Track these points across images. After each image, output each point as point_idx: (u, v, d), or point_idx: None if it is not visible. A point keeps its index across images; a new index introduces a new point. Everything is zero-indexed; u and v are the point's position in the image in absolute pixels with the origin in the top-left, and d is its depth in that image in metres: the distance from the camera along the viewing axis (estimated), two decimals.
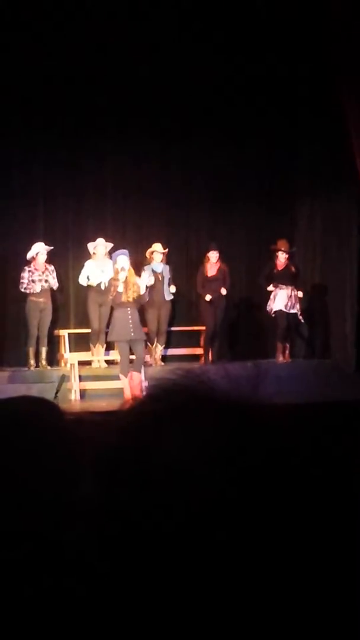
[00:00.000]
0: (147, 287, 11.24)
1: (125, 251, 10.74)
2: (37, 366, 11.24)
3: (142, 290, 10.81)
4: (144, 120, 12.08)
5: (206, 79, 11.85)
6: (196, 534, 0.68)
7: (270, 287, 11.84)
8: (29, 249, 11.33)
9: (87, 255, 11.67)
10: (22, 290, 11.18)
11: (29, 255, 11.25)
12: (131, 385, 10.15)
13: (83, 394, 10.65)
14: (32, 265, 11.21)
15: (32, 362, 11.24)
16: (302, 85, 12.00)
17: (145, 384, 10.41)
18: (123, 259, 10.39)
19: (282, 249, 11.94)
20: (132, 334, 10.22)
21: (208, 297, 11.69)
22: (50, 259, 11.44)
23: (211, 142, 12.42)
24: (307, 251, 12.84)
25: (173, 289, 11.78)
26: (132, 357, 10.48)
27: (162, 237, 12.04)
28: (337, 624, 0.70)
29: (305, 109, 12.28)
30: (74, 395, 10.56)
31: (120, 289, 10.22)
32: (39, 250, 11.26)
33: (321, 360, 12.15)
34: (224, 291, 11.78)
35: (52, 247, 11.38)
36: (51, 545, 0.91)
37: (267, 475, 0.71)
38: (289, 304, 11.79)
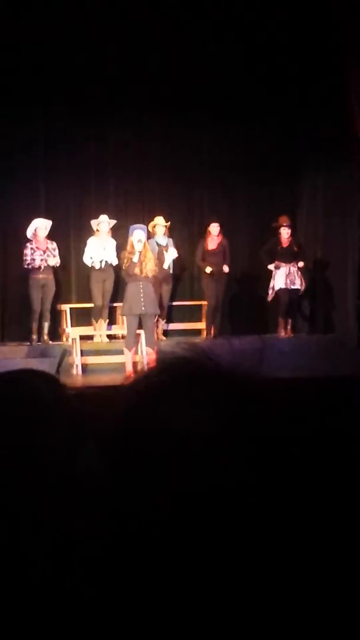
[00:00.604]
0: (172, 260, 11.33)
1: (143, 226, 10.67)
2: (39, 341, 11.26)
3: (166, 266, 10.84)
4: (145, 95, 11.99)
5: (209, 55, 11.76)
6: (201, 507, 0.68)
7: (271, 267, 11.82)
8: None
9: (88, 231, 11.64)
10: (26, 267, 11.16)
11: (29, 233, 11.20)
12: (147, 360, 10.12)
13: (85, 368, 10.65)
14: (33, 242, 11.18)
15: (34, 337, 11.25)
16: (305, 61, 11.90)
17: (146, 358, 10.41)
18: (140, 232, 10.28)
19: (284, 224, 11.90)
20: (143, 308, 10.12)
21: (209, 269, 11.66)
22: (52, 235, 11.39)
23: (213, 117, 12.34)
24: (309, 226, 12.81)
25: (174, 253, 11.62)
26: (139, 331, 10.42)
27: (164, 211, 12.00)
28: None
29: (309, 83, 12.18)
30: (76, 370, 10.57)
31: (136, 259, 10.06)
32: (38, 225, 11.20)
33: (323, 335, 12.16)
34: (226, 268, 11.75)
35: (50, 222, 11.31)
36: (53, 519, 0.91)
37: (271, 449, 0.71)
38: (288, 281, 11.79)
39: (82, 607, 0.79)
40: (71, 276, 12.12)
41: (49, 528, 0.92)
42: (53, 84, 11.68)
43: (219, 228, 11.79)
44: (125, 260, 10.18)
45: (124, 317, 10.53)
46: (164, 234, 11.66)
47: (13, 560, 0.93)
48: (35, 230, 11.16)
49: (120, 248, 11.13)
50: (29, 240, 11.20)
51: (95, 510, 0.73)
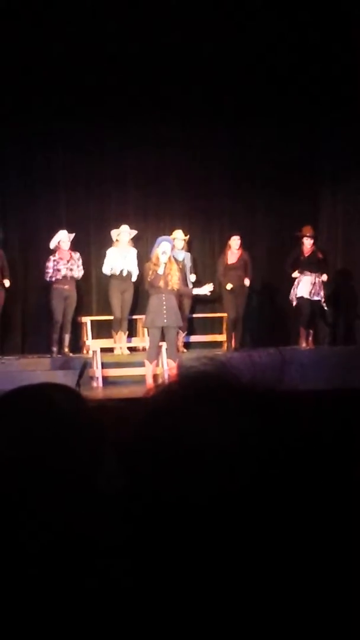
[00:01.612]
0: (192, 282, 11.32)
1: (170, 238, 10.67)
2: (59, 353, 11.29)
3: (188, 286, 10.85)
4: (166, 107, 12.04)
5: (228, 62, 11.78)
6: (221, 520, 0.68)
7: (296, 274, 11.78)
8: (51, 236, 11.36)
9: (108, 242, 11.68)
10: (48, 279, 11.21)
11: (52, 244, 11.28)
12: (168, 373, 10.12)
13: (105, 380, 10.68)
14: (56, 254, 11.25)
15: (55, 348, 11.29)
16: (326, 68, 11.88)
17: (167, 371, 10.41)
18: (166, 244, 10.26)
19: (307, 234, 11.87)
20: (165, 321, 10.08)
21: (229, 286, 11.65)
22: (73, 246, 11.45)
23: (233, 128, 12.37)
24: (330, 236, 12.78)
25: (193, 277, 11.78)
26: (161, 343, 10.41)
27: (184, 223, 12.04)
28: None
29: (330, 93, 12.17)
30: (97, 382, 10.60)
31: (161, 271, 10.04)
32: (61, 238, 11.28)
33: (345, 346, 12.11)
34: (247, 282, 11.74)
35: (74, 234, 11.38)
36: (75, 530, 0.91)
37: (293, 462, 0.70)
38: (313, 290, 11.74)
39: (101, 615, 0.79)
40: (92, 288, 12.17)
41: (70, 540, 0.92)
42: (73, 96, 11.75)
43: (239, 241, 11.78)
44: (150, 272, 10.13)
45: (146, 329, 10.51)
46: (182, 248, 11.67)
47: (34, 569, 0.93)
48: (59, 242, 11.25)
49: (140, 258, 11.15)
50: (51, 252, 11.26)
51: (115, 523, 0.73)
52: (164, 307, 10.06)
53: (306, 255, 11.81)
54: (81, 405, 1.07)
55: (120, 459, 0.75)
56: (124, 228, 11.53)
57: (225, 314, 12.11)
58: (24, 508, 0.95)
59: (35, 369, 10.60)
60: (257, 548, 0.68)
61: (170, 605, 0.69)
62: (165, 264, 10.09)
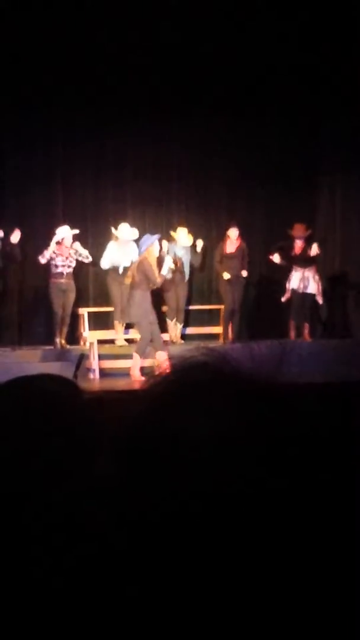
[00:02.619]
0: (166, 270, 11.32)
1: (159, 236, 10.75)
2: (59, 345, 11.31)
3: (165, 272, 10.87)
4: (164, 101, 12.03)
5: (228, 58, 11.76)
6: (220, 513, 0.68)
7: (276, 257, 11.82)
8: (48, 230, 11.34)
9: (106, 237, 11.67)
10: (41, 261, 11.13)
11: (56, 240, 11.23)
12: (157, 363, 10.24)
13: (102, 372, 10.69)
14: (57, 249, 11.24)
15: (57, 340, 11.30)
16: (325, 63, 11.87)
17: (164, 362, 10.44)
18: (158, 244, 10.50)
19: (298, 235, 11.84)
20: (152, 317, 10.35)
21: (226, 276, 11.66)
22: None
23: (232, 121, 12.36)
24: (327, 231, 12.78)
25: (170, 262, 11.54)
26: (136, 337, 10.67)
27: (182, 215, 12.03)
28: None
29: (328, 88, 12.15)
30: (93, 374, 10.60)
31: (164, 272, 10.35)
32: (65, 235, 11.27)
33: (342, 340, 12.12)
34: (244, 273, 11.76)
35: (77, 231, 11.39)
36: (69, 522, 0.90)
37: (292, 454, 0.70)
38: (302, 285, 11.79)
39: (92, 608, 0.79)
40: (88, 280, 12.16)
41: (65, 531, 0.91)
42: (72, 92, 11.74)
43: (237, 232, 11.79)
44: (155, 269, 10.29)
45: (137, 325, 10.52)
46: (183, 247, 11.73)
47: (28, 562, 0.93)
48: (62, 239, 11.22)
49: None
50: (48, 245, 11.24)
51: (110, 514, 0.72)
52: (150, 303, 10.31)
53: (297, 252, 11.83)
54: (78, 396, 1.06)
55: (116, 450, 0.75)
56: (124, 226, 11.49)
57: (221, 306, 12.12)
58: (21, 498, 0.95)
59: (32, 361, 10.60)
60: (256, 542, 0.68)
61: (168, 599, 0.69)
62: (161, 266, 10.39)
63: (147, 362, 10.79)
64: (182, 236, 11.69)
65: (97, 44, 11.28)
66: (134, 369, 10.22)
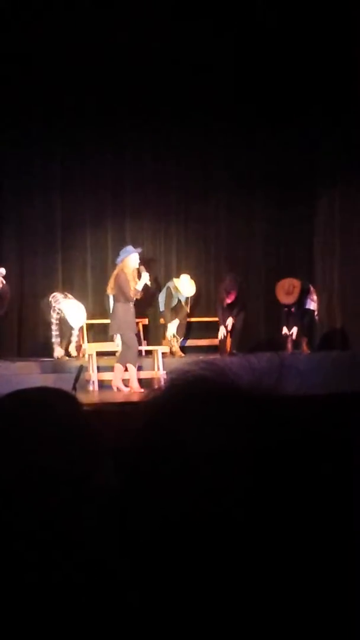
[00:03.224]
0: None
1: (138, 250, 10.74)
2: (61, 357, 11.32)
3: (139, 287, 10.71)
4: (163, 113, 12.07)
5: (226, 64, 11.78)
6: (218, 525, 0.68)
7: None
8: (47, 241, 11.37)
9: (103, 248, 11.70)
10: None
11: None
12: (135, 375, 10.32)
13: (101, 384, 10.67)
14: None
15: (59, 352, 11.30)
16: (323, 72, 11.89)
17: (163, 375, 10.44)
18: (137, 257, 10.49)
19: (288, 292, 11.75)
20: (134, 327, 10.52)
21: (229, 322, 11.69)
22: (70, 253, 11.50)
23: (230, 134, 12.40)
24: (326, 242, 12.78)
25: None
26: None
27: (180, 229, 12.04)
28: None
29: (327, 94, 12.17)
30: (92, 386, 10.58)
31: (139, 287, 10.34)
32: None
33: (341, 351, 12.11)
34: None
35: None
36: (68, 535, 0.90)
37: (292, 467, 0.70)
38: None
39: (97, 614, 0.79)
40: (88, 292, 12.15)
41: (63, 545, 0.91)
42: (71, 101, 11.77)
43: (235, 285, 11.71)
44: (131, 284, 10.32)
45: (118, 335, 10.52)
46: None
47: (27, 574, 0.93)
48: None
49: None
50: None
51: (110, 526, 0.72)
52: (133, 314, 10.41)
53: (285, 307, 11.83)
54: (77, 410, 1.06)
55: (118, 463, 0.75)
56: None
57: None
58: (20, 510, 0.94)
59: (31, 372, 10.59)
60: (257, 553, 0.68)
61: (168, 605, 0.69)
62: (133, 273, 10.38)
63: (146, 374, 10.80)
64: (185, 285, 11.74)
65: (95, 53, 11.29)
66: (117, 380, 10.26)
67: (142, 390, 10.12)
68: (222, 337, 11.70)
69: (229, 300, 11.63)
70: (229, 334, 11.93)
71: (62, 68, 11.32)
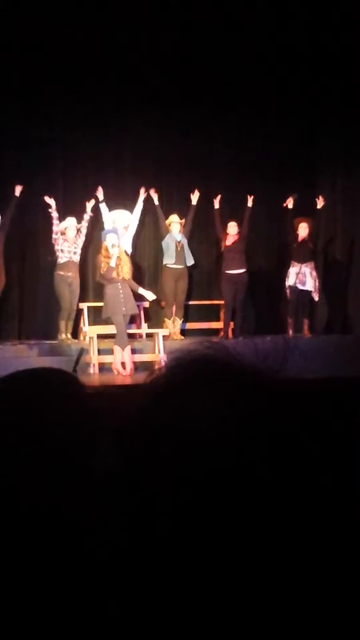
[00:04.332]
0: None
1: (116, 229, 10.90)
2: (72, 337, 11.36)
3: (189, 262, 11.19)
4: (163, 95, 12.04)
5: (228, 55, 11.76)
6: (217, 504, 0.67)
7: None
8: (48, 223, 11.35)
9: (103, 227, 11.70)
10: (54, 235, 11.14)
11: (60, 228, 11.27)
12: (128, 358, 10.35)
13: (102, 367, 10.69)
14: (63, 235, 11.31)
15: (63, 334, 11.30)
16: (325, 58, 11.86)
17: (164, 357, 10.46)
18: (113, 236, 10.57)
19: (304, 221, 11.84)
20: (124, 309, 10.37)
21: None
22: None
23: (231, 116, 12.38)
24: (328, 226, 12.76)
25: (191, 260, 11.86)
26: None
27: (183, 210, 12.01)
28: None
29: (329, 83, 12.14)
30: (93, 369, 10.60)
31: (113, 264, 10.35)
32: (68, 225, 11.29)
33: (342, 335, 12.12)
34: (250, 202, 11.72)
35: (80, 225, 11.41)
36: (71, 517, 0.90)
37: (293, 449, 0.70)
38: (298, 280, 11.78)
39: (98, 601, 0.78)
40: (89, 274, 12.15)
41: (66, 524, 0.91)
42: (71, 84, 11.76)
43: (237, 228, 11.82)
44: (102, 265, 10.46)
45: (112, 318, 10.56)
46: (180, 231, 11.73)
47: (30, 554, 0.93)
48: (65, 229, 11.25)
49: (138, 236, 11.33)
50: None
51: (111, 507, 0.72)
52: (121, 296, 10.35)
53: (299, 241, 11.80)
54: (78, 390, 1.06)
55: (118, 444, 0.74)
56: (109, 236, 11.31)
57: (221, 301, 12.12)
58: (20, 492, 0.94)
59: (31, 355, 10.61)
60: (257, 535, 0.67)
61: (169, 591, 0.68)
62: (118, 256, 10.40)
63: (146, 357, 10.81)
64: (175, 221, 11.74)
65: (97, 42, 11.27)
66: (116, 363, 10.29)
67: (125, 373, 10.21)
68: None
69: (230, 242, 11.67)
70: (230, 318, 11.94)
71: (62, 58, 11.31)
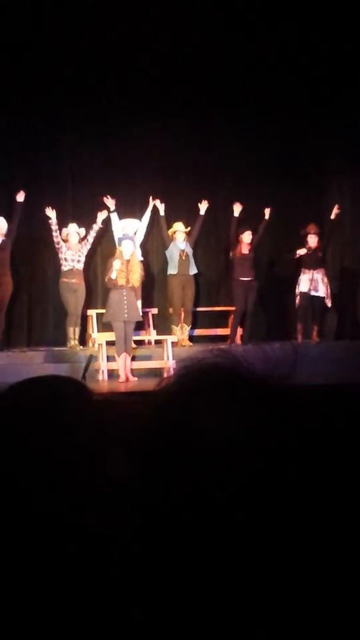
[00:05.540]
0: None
1: (132, 237, 10.92)
2: (82, 345, 11.37)
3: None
4: (172, 102, 12.06)
5: (234, 57, 11.78)
6: (231, 511, 0.67)
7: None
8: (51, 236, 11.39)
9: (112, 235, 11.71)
10: (55, 238, 11.16)
11: (62, 235, 11.31)
12: (122, 365, 10.36)
13: (110, 374, 10.69)
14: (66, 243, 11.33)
15: (71, 341, 11.31)
16: (332, 61, 11.87)
17: (173, 364, 10.47)
18: (129, 243, 10.62)
19: (312, 232, 11.91)
20: (126, 315, 10.38)
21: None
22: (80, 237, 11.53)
23: (239, 121, 12.38)
24: (336, 231, 12.76)
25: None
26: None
27: (191, 217, 12.02)
28: None
29: (335, 86, 12.14)
30: (102, 376, 10.61)
31: (124, 269, 10.41)
32: (70, 231, 11.32)
33: (351, 341, 12.10)
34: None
35: (83, 229, 11.44)
36: (80, 524, 0.90)
37: (305, 455, 0.70)
38: (311, 286, 11.81)
39: (111, 603, 0.78)
40: (97, 281, 12.16)
41: (76, 532, 0.91)
42: (78, 89, 11.79)
43: (251, 236, 11.87)
44: (112, 269, 10.47)
45: (112, 323, 10.58)
46: (184, 240, 11.74)
47: (42, 564, 0.93)
48: (67, 235, 11.28)
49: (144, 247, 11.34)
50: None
51: (122, 514, 0.72)
52: (125, 302, 10.38)
53: (308, 252, 11.87)
54: (87, 398, 1.06)
55: (128, 451, 0.74)
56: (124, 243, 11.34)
57: (230, 308, 12.12)
58: (30, 500, 0.94)
59: (41, 362, 10.62)
60: (268, 540, 0.67)
61: (178, 593, 0.68)
62: (128, 261, 10.45)
63: (155, 364, 10.81)
64: (179, 230, 11.75)
65: (108, 52, 11.33)
66: (120, 370, 10.29)
67: (121, 380, 10.23)
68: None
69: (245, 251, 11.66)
70: (239, 323, 11.95)
71: (67, 62, 11.34)
